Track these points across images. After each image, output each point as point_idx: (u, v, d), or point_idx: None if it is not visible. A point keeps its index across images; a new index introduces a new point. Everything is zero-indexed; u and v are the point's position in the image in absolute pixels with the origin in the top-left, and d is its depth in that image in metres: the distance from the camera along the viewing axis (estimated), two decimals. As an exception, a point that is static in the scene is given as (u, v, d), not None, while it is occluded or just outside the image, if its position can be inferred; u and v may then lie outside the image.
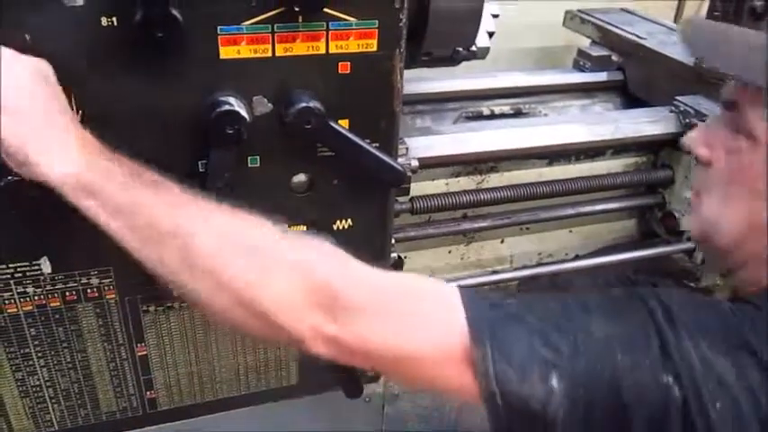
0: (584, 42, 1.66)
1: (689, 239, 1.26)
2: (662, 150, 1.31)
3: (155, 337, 0.91)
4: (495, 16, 1.08)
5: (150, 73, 0.72)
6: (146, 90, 0.73)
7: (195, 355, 0.95)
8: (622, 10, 1.75)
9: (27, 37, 0.66)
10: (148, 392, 0.96)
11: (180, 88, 0.73)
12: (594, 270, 1.27)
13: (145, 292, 0.87)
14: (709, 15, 1.46)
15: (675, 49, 1.40)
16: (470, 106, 1.36)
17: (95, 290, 0.84)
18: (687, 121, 1.22)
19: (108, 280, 0.84)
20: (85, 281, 0.83)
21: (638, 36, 1.51)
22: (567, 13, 1.72)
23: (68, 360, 0.88)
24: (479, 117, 1.34)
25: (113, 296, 0.85)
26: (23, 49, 0.65)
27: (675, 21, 2.02)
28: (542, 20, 1.82)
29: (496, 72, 1.42)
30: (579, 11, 1.70)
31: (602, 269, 1.29)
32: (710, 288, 1.33)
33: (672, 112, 1.26)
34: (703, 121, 1.19)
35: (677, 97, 1.26)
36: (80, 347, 0.88)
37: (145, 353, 0.92)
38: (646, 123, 1.25)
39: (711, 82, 1.26)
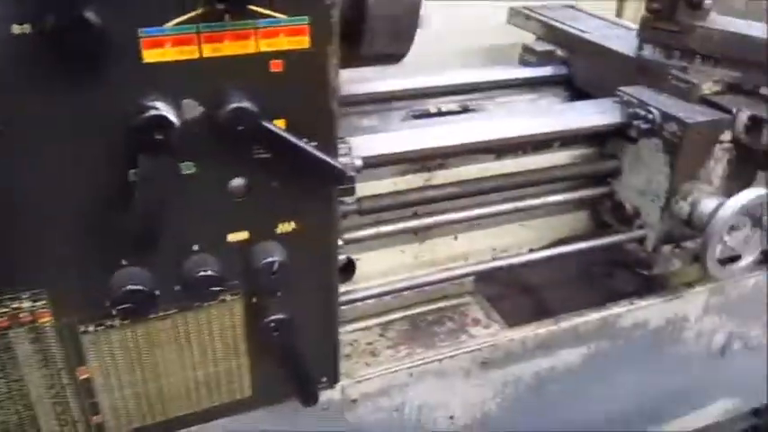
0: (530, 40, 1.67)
1: (639, 227, 1.27)
2: (608, 141, 1.32)
3: (96, 359, 0.87)
4: None
5: (71, 82, 0.68)
6: (68, 100, 0.69)
7: (141, 373, 0.91)
8: (565, 6, 1.78)
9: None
10: (95, 417, 0.91)
11: (104, 96, 0.70)
12: (550, 263, 1.27)
13: (82, 313, 0.83)
14: (648, 8, 1.48)
15: (619, 43, 1.41)
16: (417, 105, 1.35)
17: (28, 314, 0.80)
18: (631, 110, 1.23)
19: (41, 302, 0.80)
20: (16, 305, 0.79)
21: (581, 30, 1.53)
22: (510, 9, 1.74)
23: (5, 391, 0.84)
24: (426, 115, 1.34)
25: (48, 319, 0.81)
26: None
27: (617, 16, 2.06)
28: (489, 20, 1.84)
29: (442, 69, 1.42)
30: (524, 8, 1.72)
31: (557, 261, 1.29)
32: (664, 275, 1.34)
33: (616, 102, 1.27)
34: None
35: (620, 87, 1.27)
36: (16, 376, 0.84)
37: (87, 376, 0.88)
38: (591, 114, 1.26)
39: (654, 73, 1.28)
